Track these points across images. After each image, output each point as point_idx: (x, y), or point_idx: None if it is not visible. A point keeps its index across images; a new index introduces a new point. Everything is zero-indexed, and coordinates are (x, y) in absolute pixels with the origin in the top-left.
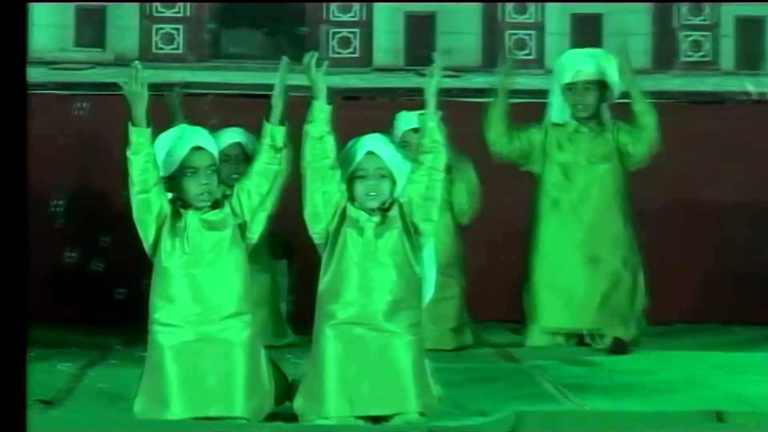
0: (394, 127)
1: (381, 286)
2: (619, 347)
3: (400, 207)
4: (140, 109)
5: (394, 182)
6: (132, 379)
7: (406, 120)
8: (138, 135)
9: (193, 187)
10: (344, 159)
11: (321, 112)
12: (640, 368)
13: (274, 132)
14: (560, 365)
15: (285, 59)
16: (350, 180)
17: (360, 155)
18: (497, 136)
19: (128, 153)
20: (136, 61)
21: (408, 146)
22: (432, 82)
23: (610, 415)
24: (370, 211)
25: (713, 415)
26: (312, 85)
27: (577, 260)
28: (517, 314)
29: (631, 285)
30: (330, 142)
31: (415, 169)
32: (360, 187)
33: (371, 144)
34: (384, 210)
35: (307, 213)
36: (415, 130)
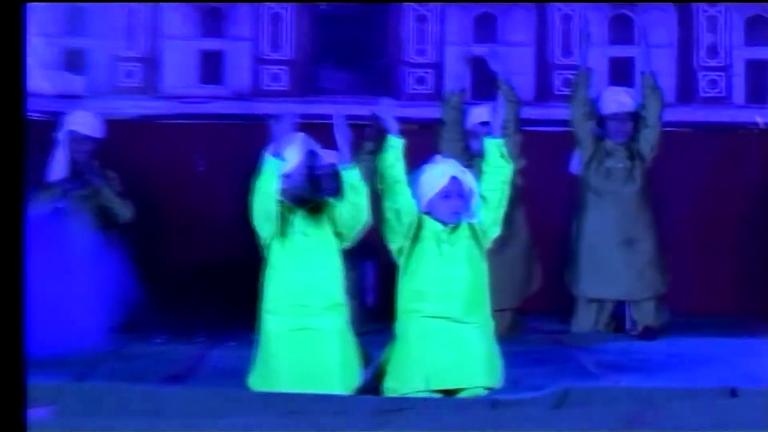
0: (466, 121)
1: (458, 287)
2: (649, 334)
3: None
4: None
5: (468, 200)
6: (246, 358)
7: (477, 114)
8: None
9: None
10: (428, 180)
11: (395, 143)
12: (667, 352)
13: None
14: (600, 349)
15: None
16: (435, 199)
17: (445, 179)
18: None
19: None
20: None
21: (476, 136)
22: (497, 115)
23: (640, 391)
24: (445, 224)
25: (728, 391)
26: (389, 123)
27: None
28: (562, 306)
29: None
30: (400, 168)
31: (484, 189)
32: (444, 206)
33: (454, 170)
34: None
35: (383, 226)
36: (483, 123)
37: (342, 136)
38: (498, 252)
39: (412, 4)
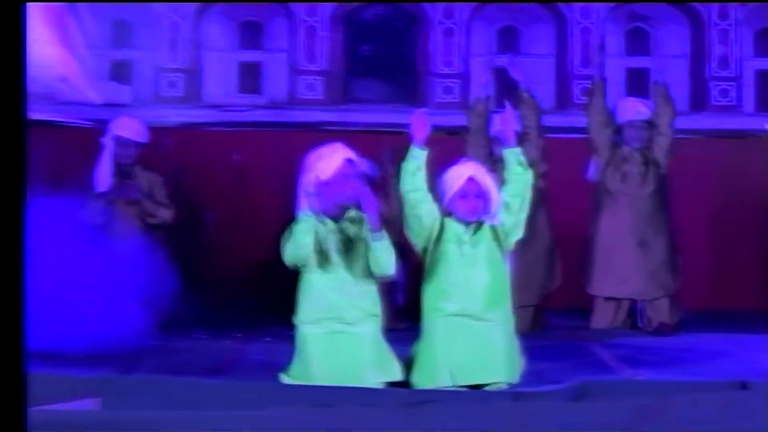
0: (491, 128)
1: (478, 286)
2: (664, 330)
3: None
4: None
5: (487, 201)
6: (281, 353)
7: (497, 123)
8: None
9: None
10: (447, 181)
11: (417, 153)
12: (681, 347)
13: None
14: (617, 344)
15: None
16: (453, 198)
17: (462, 179)
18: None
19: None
20: None
21: (499, 142)
22: (508, 124)
23: (656, 384)
24: (467, 225)
25: (739, 384)
26: (416, 133)
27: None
28: (581, 304)
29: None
30: (421, 177)
31: (506, 194)
32: (462, 205)
33: (471, 171)
34: (478, 224)
35: (406, 230)
36: None
37: (370, 206)
38: (521, 251)
39: (439, 18)
